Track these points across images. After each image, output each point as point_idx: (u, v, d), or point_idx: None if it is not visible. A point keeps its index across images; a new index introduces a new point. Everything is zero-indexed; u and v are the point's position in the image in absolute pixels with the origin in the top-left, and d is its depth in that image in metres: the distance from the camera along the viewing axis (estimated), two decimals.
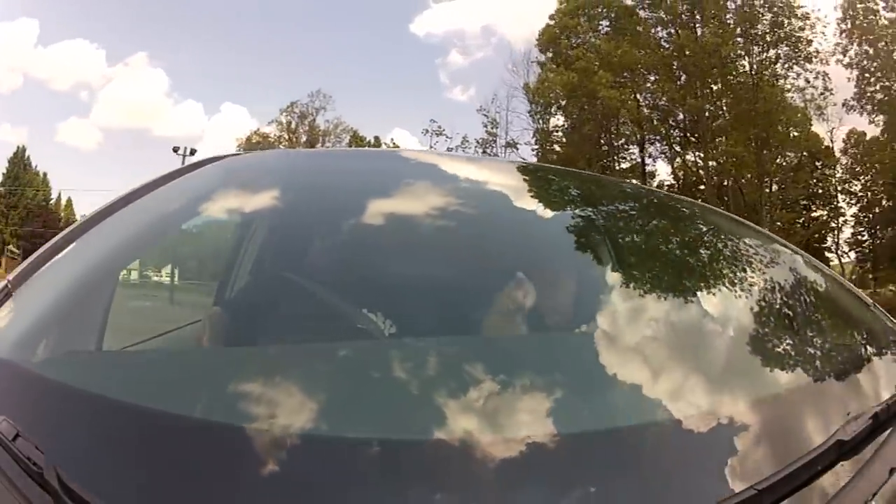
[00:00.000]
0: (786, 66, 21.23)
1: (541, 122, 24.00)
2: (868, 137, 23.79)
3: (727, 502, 0.53)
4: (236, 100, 59.53)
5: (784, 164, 22.28)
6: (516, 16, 39.27)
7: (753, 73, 21.09)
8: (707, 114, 21.42)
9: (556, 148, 23.68)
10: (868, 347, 0.91)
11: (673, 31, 21.79)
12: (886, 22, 20.76)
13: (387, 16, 42.19)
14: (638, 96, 22.93)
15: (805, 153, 23.49)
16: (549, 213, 1.05)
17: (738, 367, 0.75)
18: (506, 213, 1.01)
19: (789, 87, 21.17)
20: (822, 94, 21.17)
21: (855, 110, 22.14)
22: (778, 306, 0.90)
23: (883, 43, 20.81)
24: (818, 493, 0.58)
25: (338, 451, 0.55)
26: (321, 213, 0.96)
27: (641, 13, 22.55)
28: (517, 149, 23.93)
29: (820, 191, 25.36)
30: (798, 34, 20.86)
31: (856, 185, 25.46)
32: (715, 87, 21.64)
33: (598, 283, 0.98)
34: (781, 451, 0.61)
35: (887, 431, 0.68)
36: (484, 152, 23.16)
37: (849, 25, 21.09)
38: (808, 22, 20.79)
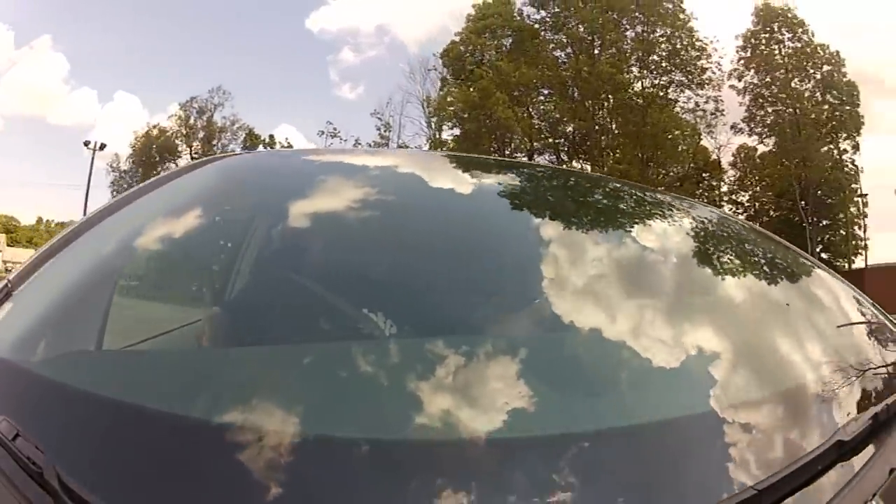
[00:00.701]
0: (678, 90, 23.10)
1: (436, 131, 24.84)
2: (759, 153, 24.96)
3: (727, 502, 0.53)
4: (130, 88, 57.03)
5: (670, 175, 23.35)
6: (411, 16, 40.07)
7: (644, 97, 22.55)
8: (597, 128, 22.58)
9: None
10: (868, 347, 0.91)
11: (571, 52, 23.05)
12: (791, 51, 22.51)
13: (283, 10, 41.32)
14: (531, 109, 23.96)
15: (692, 165, 24.62)
16: (551, 213, 1.05)
17: (737, 367, 0.75)
18: (508, 212, 1.01)
19: (680, 109, 23.01)
20: (712, 114, 23.11)
21: (743, 132, 23.94)
22: (778, 306, 0.90)
23: (782, 71, 22.60)
24: (818, 493, 0.58)
25: (338, 451, 0.55)
26: (321, 213, 0.96)
27: (544, 34, 23.54)
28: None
29: (706, 200, 26.16)
30: (694, 62, 22.64)
31: (743, 196, 26.78)
32: (606, 106, 22.94)
33: (598, 283, 0.98)
34: (781, 451, 0.61)
35: (887, 431, 0.68)
36: None
37: (748, 53, 22.94)
38: (704, 52, 22.71)
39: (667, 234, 1.09)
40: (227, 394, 0.63)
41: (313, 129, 40.41)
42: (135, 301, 0.81)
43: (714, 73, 23.02)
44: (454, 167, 1.26)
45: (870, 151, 25.60)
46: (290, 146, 23.62)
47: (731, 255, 1.07)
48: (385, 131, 24.76)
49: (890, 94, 34.93)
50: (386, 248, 0.87)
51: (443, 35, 38.63)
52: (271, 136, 26.42)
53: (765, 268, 1.05)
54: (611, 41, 22.47)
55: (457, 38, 24.19)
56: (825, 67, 23.04)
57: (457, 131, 24.65)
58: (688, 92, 22.73)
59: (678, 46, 22.65)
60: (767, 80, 22.96)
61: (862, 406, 0.71)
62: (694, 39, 22.74)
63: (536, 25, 23.40)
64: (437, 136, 24.73)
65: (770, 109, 22.86)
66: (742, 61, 23.15)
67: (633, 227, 1.08)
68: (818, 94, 23.07)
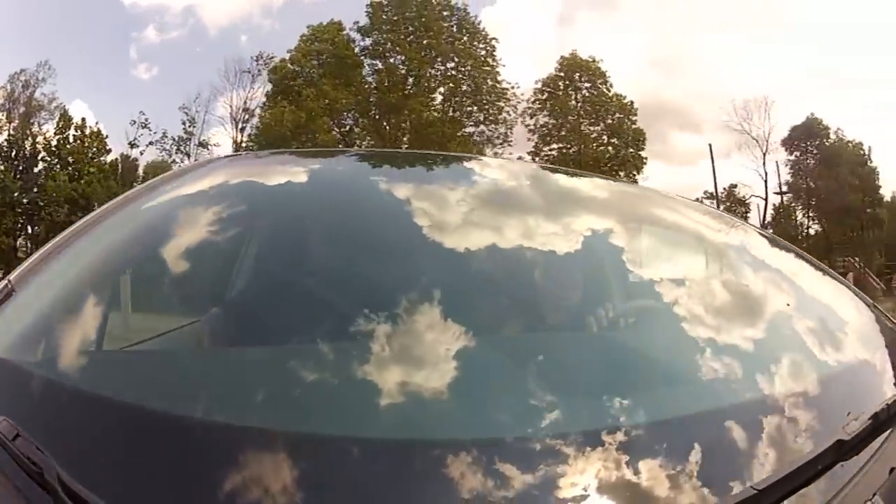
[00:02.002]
0: (475, 124, 25.72)
1: (239, 134, 25.72)
2: None
3: (727, 502, 0.53)
4: None
5: None
6: (220, 1, 39.09)
7: (444, 127, 24.97)
8: (391, 145, 23.79)
9: None
10: (868, 348, 0.91)
11: (387, 82, 25.11)
12: (585, 98, 26.06)
13: None
14: (337, 127, 25.44)
15: None
16: (552, 213, 1.05)
17: (737, 367, 0.75)
18: (510, 212, 1.01)
19: (476, 138, 25.33)
20: (501, 143, 25.41)
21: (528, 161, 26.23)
22: (778, 306, 0.90)
23: (574, 115, 25.92)
24: (818, 493, 0.58)
25: (338, 450, 0.55)
26: (321, 213, 0.96)
27: (367, 61, 25.53)
28: (208, 148, 25.23)
29: None
30: (494, 103, 25.56)
31: None
32: (404, 127, 25.03)
33: (598, 283, 0.98)
34: (781, 451, 0.61)
35: (887, 432, 0.68)
36: (178, 150, 24.75)
37: (545, 96, 26.19)
38: (504, 97, 25.63)
39: (667, 235, 1.09)
40: (226, 394, 0.63)
41: (106, 108, 39.18)
42: (135, 301, 0.81)
43: (510, 114, 25.96)
44: (454, 167, 1.27)
45: (661, 180, 27.82)
46: (82, 124, 24.02)
47: (731, 256, 1.07)
48: (190, 126, 25.08)
49: (693, 127, 39.69)
50: (386, 248, 0.87)
51: (245, 24, 37.85)
52: (83, 120, 25.05)
53: (765, 268, 1.04)
54: (425, 77, 25.23)
55: (287, 56, 25.41)
56: (617, 115, 26.20)
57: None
58: (482, 127, 25.82)
59: (483, 89, 25.47)
60: (559, 122, 26.04)
61: (862, 406, 0.70)
62: (496, 82, 25.60)
63: (359, 54, 25.46)
64: (240, 139, 25.72)
65: (555, 146, 25.70)
66: (538, 103, 26.25)
67: (638, 228, 1.08)
68: (605, 137, 26.20)
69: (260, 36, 34.51)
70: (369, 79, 25.52)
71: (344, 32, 25.36)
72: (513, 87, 25.66)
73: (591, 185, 1.30)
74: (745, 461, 0.60)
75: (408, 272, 0.84)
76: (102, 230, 0.96)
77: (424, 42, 24.97)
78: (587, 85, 26.09)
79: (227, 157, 1.28)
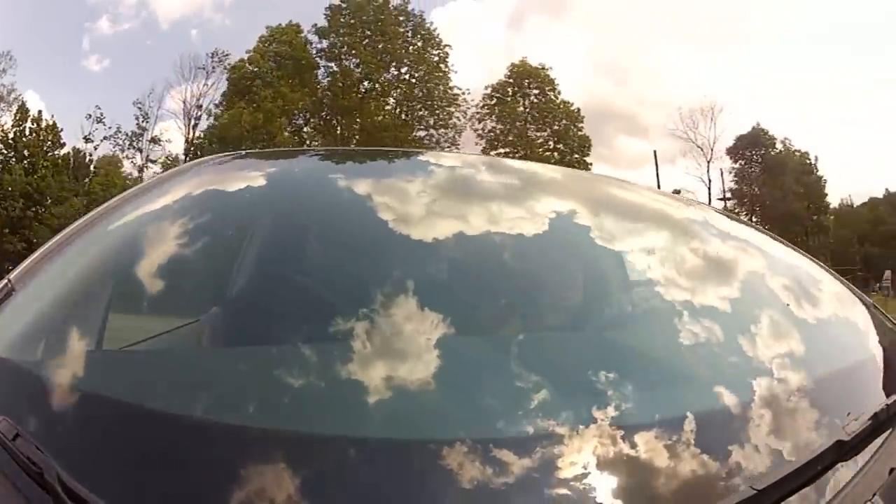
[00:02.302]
0: (425, 129, 26.99)
1: (190, 130, 26.10)
2: None
3: (727, 502, 0.53)
4: None
5: None
6: None
7: (397, 131, 25.67)
8: (340, 145, 24.87)
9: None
10: (867, 348, 0.91)
11: (341, 84, 26.07)
12: (533, 104, 27.13)
13: None
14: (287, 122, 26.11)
15: None
16: (554, 213, 1.05)
17: (737, 367, 0.75)
18: (510, 212, 1.01)
19: (426, 142, 26.03)
20: (449, 146, 26.14)
21: None
22: (778, 306, 0.90)
23: (521, 121, 26.93)
24: (818, 493, 0.58)
25: (338, 450, 0.55)
26: (321, 212, 0.96)
27: (322, 63, 26.50)
28: (159, 143, 25.63)
29: None
30: (445, 108, 26.82)
31: None
32: (355, 127, 26.02)
33: (596, 283, 0.98)
34: (781, 452, 0.61)
35: (887, 432, 0.68)
36: (131, 146, 24.95)
37: (493, 101, 27.18)
38: (455, 102, 26.89)
39: (668, 235, 1.09)
40: (226, 393, 0.63)
41: (57, 100, 38.91)
42: (135, 301, 0.81)
43: (460, 119, 27.17)
44: (455, 167, 1.26)
45: None
46: (39, 117, 24.03)
47: (731, 254, 1.07)
48: (143, 121, 25.33)
49: (640, 132, 41.54)
50: (386, 248, 0.87)
51: (196, 17, 38.40)
52: (40, 112, 24.91)
53: (764, 267, 1.04)
54: (380, 81, 26.35)
55: (245, 56, 25.89)
56: (563, 122, 27.19)
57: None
58: (431, 131, 26.90)
59: (435, 94, 26.62)
60: (507, 127, 27.01)
61: (862, 406, 0.70)
62: (448, 88, 26.79)
63: (316, 55, 26.36)
64: (192, 136, 25.97)
65: (502, 150, 26.19)
66: (486, 108, 27.26)
67: (639, 228, 1.08)
68: (551, 142, 27.09)
69: (210, 30, 34.80)
70: (324, 81, 26.45)
71: (302, 34, 26.10)
72: (463, 93, 26.98)
73: (578, 180, 1.30)
74: (745, 461, 0.60)
75: (408, 272, 0.84)
76: (102, 230, 0.96)
77: (380, 46, 25.95)
78: (535, 92, 27.41)
79: (227, 156, 1.27)
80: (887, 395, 0.74)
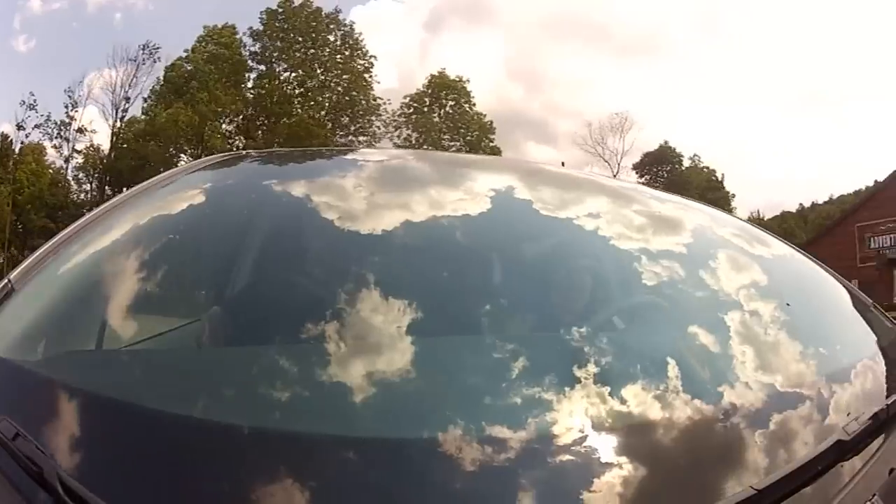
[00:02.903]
0: (345, 134, 28.49)
1: (118, 122, 26.93)
2: None
3: (727, 502, 0.53)
4: None
5: None
6: None
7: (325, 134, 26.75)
8: (263, 145, 25.46)
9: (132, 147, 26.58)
10: (868, 348, 0.91)
11: (266, 84, 27.25)
12: (448, 115, 29.07)
13: None
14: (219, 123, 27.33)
15: None
16: (555, 214, 1.05)
17: (737, 367, 0.75)
18: (508, 211, 1.01)
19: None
20: None
21: None
22: (778, 307, 0.90)
23: (435, 132, 28.74)
24: (818, 493, 0.58)
25: (338, 450, 0.55)
26: (320, 212, 0.96)
27: (254, 65, 27.70)
28: (84, 133, 26.66)
29: None
30: (367, 116, 28.87)
31: None
32: (276, 129, 26.86)
33: (598, 284, 0.98)
34: (781, 451, 0.61)
35: (887, 432, 0.68)
36: (59, 135, 25.76)
37: (411, 111, 29.04)
38: (377, 112, 28.85)
39: (668, 235, 1.09)
40: (226, 393, 0.63)
41: None
42: (134, 301, 0.81)
43: (379, 128, 28.89)
44: (455, 167, 1.26)
45: None
46: None
47: (732, 255, 1.07)
48: (72, 109, 25.94)
49: (550, 141, 42.11)
50: (386, 248, 0.87)
51: (121, 2, 38.90)
52: None
53: (765, 268, 1.04)
54: (307, 87, 27.97)
55: (183, 55, 26.90)
56: (476, 132, 29.04)
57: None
58: (351, 137, 28.41)
59: (360, 102, 28.35)
60: (422, 136, 28.44)
61: (862, 406, 0.70)
62: (371, 98, 28.58)
63: (249, 58, 27.85)
64: (119, 127, 26.83)
65: None
66: (403, 116, 28.95)
67: (636, 228, 1.07)
68: (464, 151, 27.65)
69: (133, 16, 34.78)
70: (252, 83, 27.94)
71: (238, 36, 27.39)
72: (385, 103, 28.79)
73: (577, 181, 1.30)
74: (746, 461, 0.60)
75: (408, 272, 0.84)
76: (101, 230, 0.96)
77: (310, 53, 27.56)
78: (451, 103, 29.45)
79: (227, 156, 1.27)
80: (887, 396, 0.74)
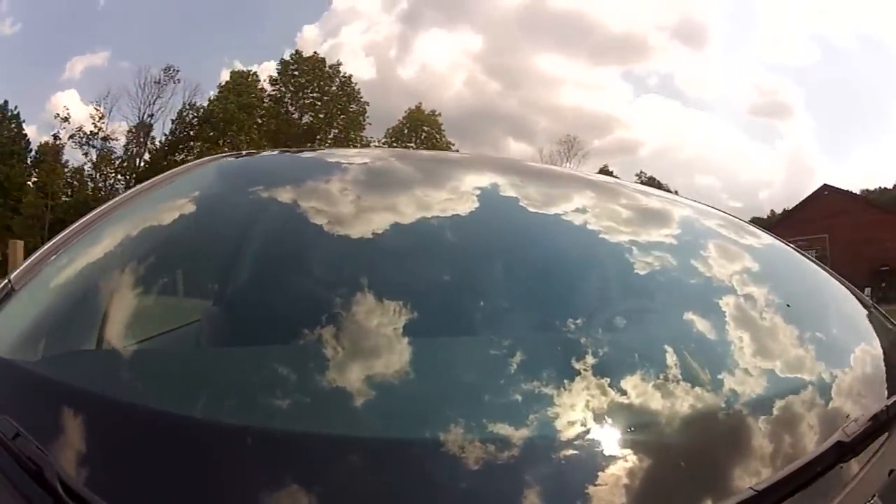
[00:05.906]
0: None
1: (141, 136, 29.48)
2: None
3: (726, 503, 0.53)
4: None
5: None
6: None
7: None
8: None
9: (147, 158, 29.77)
10: (868, 349, 0.91)
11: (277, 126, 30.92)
12: (423, 144, 32.42)
13: None
14: None
15: None
16: (555, 215, 1.05)
17: (737, 367, 0.75)
18: (510, 213, 1.01)
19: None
20: None
21: None
22: (778, 307, 0.90)
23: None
24: (817, 494, 0.58)
25: (338, 450, 0.55)
26: (320, 212, 0.96)
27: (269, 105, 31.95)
28: (108, 141, 28.80)
29: None
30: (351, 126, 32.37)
31: None
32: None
33: (598, 281, 0.98)
34: (781, 453, 0.61)
35: (887, 433, 0.68)
36: (87, 143, 27.75)
37: (392, 139, 32.44)
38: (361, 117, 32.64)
39: (669, 236, 1.09)
40: (226, 393, 0.63)
41: None
42: (135, 301, 0.81)
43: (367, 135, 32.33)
44: (455, 167, 1.26)
45: None
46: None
47: (732, 254, 1.07)
48: (99, 120, 28.05)
49: (527, 137, 42.12)
50: (386, 248, 0.87)
51: None
52: None
53: (765, 268, 1.04)
54: (315, 126, 31.70)
55: (213, 97, 30.41)
56: None
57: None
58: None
59: (355, 140, 31.79)
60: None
61: (862, 407, 0.70)
62: (363, 138, 32.05)
63: (268, 102, 31.74)
64: (151, 143, 29.83)
65: None
66: (386, 145, 30.78)
67: (638, 229, 1.07)
68: None
69: None
70: (263, 121, 31.30)
71: (259, 84, 31.45)
72: (373, 142, 32.00)
73: (577, 181, 1.30)
74: (745, 462, 0.60)
75: (408, 272, 0.84)
76: (102, 230, 0.96)
77: (319, 105, 32.08)
78: (424, 134, 33.10)
79: (227, 155, 1.27)
80: (887, 397, 0.74)
